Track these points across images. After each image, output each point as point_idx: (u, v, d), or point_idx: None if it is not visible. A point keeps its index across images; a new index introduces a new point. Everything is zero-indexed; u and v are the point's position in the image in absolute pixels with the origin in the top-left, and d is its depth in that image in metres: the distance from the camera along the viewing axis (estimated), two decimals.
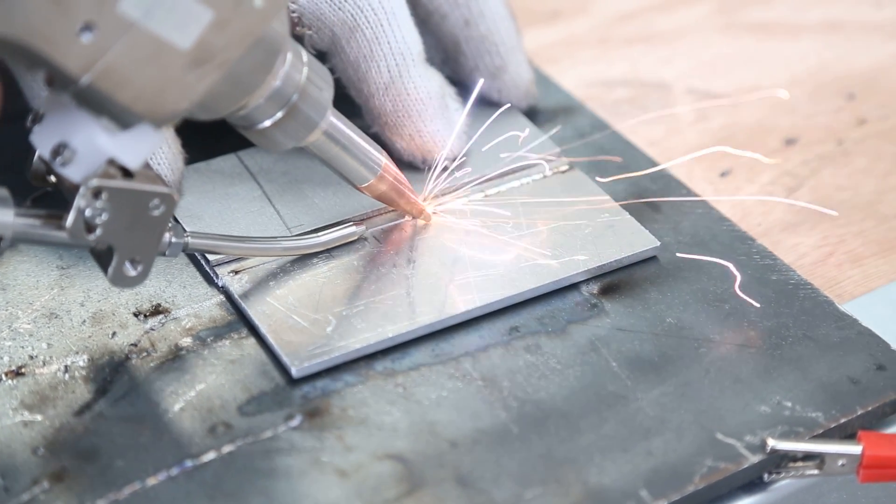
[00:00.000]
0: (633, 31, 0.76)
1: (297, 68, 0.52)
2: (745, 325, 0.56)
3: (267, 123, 0.52)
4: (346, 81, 0.61)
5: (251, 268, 0.57)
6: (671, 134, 0.69)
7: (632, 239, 0.59)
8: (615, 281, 0.58)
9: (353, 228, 0.58)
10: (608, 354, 0.55)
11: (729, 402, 0.53)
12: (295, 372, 0.53)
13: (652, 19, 0.76)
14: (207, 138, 0.63)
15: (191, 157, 0.60)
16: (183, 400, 0.53)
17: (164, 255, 0.52)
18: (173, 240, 0.52)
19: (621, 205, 0.60)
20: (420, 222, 0.59)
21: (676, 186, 0.63)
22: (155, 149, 0.50)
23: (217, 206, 0.60)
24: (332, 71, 0.61)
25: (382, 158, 0.56)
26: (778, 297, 0.57)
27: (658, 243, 0.59)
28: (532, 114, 0.66)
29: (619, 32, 0.75)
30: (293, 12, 0.59)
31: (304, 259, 0.58)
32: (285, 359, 0.53)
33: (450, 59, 0.65)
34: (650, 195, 0.62)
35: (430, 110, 0.60)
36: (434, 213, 0.60)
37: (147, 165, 0.51)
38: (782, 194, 0.65)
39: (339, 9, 0.59)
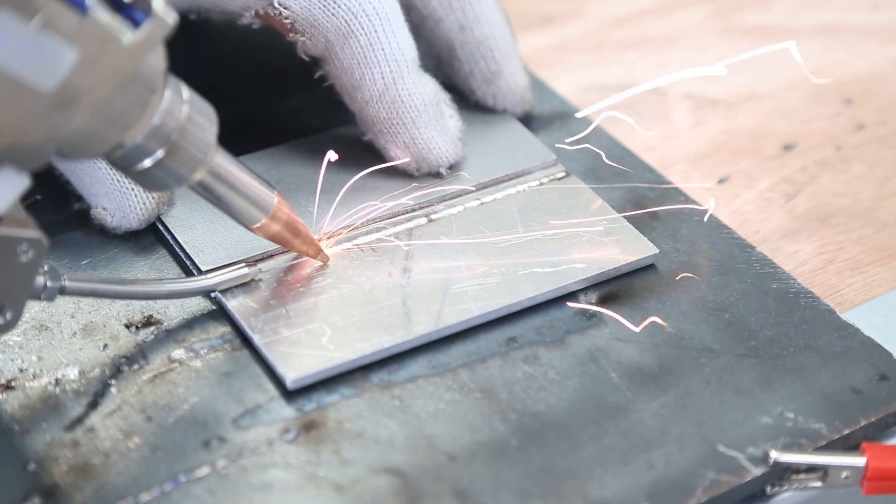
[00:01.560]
0: (627, 36, 0.75)
1: (176, 106, 0.49)
2: (745, 334, 0.55)
3: (147, 163, 0.49)
4: (339, 88, 0.60)
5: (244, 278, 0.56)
6: (668, 140, 0.68)
7: (630, 246, 0.58)
8: (614, 290, 0.57)
9: (246, 270, 0.56)
10: (607, 365, 0.54)
11: (730, 414, 0.52)
12: (290, 384, 0.52)
13: (647, 24, 0.76)
14: None
15: None
16: (176, 413, 0.52)
17: (38, 299, 0.50)
18: (49, 284, 0.50)
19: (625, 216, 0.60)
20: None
21: (674, 193, 0.62)
22: (22, 192, 0.47)
23: (209, 215, 0.59)
24: (325, 77, 0.60)
25: (274, 197, 0.54)
26: (778, 305, 0.56)
27: (657, 251, 0.58)
28: (527, 119, 0.66)
29: (614, 37, 0.75)
30: (286, 18, 0.58)
31: (297, 269, 0.57)
32: (280, 370, 0.53)
33: (444, 64, 0.64)
34: (648, 203, 0.61)
35: (424, 117, 0.60)
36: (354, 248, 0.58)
37: (17, 207, 0.49)
38: (781, 201, 0.64)
39: (333, 15, 0.58)
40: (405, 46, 0.59)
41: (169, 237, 0.58)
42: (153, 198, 0.58)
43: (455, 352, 0.54)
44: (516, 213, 0.60)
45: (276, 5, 0.58)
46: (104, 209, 0.58)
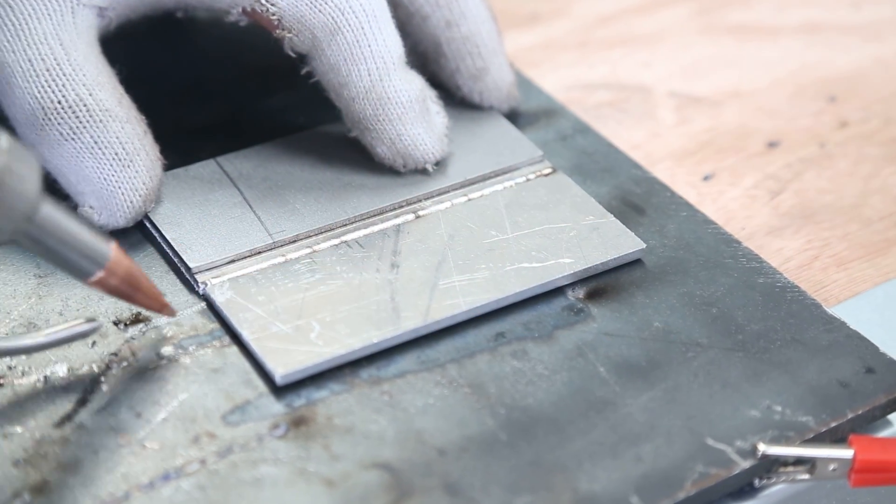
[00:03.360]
0: (612, 34, 0.75)
1: None
2: (732, 328, 0.55)
3: None
4: (325, 85, 0.60)
5: (232, 275, 0.56)
6: (653, 137, 0.68)
7: (617, 241, 0.58)
8: (601, 285, 0.57)
9: (86, 327, 0.53)
10: (595, 359, 0.54)
11: (718, 407, 0.52)
12: (279, 379, 0.52)
13: (631, 22, 0.76)
14: (186, 144, 0.63)
15: (169, 162, 0.60)
16: (165, 410, 0.52)
17: None
18: None
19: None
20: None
21: (661, 189, 0.62)
22: None
23: (197, 212, 0.59)
24: (311, 74, 0.60)
25: (110, 250, 0.51)
26: (765, 300, 0.57)
27: (644, 245, 0.58)
28: (513, 116, 0.66)
29: (599, 35, 0.75)
30: (273, 14, 0.58)
31: (286, 266, 0.57)
32: (269, 366, 0.53)
33: (430, 61, 0.65)
34: (634, 199, 0.62)
35: (410, 115, 0.60)
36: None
37: None
38: (766, 198, 0.65)
39: (320, 11, 0.58)
40: (392, 43, 0.59)
41: (157, 235, 0.58)
42: (140, 196, 0.58)
43: (443, 347, 0.55)
44: (503, 210, 0.60)
45: (263, 2, 0.58)
46: (91, 207, 0.58)
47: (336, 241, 0.58)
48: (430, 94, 0.62)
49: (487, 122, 0.64)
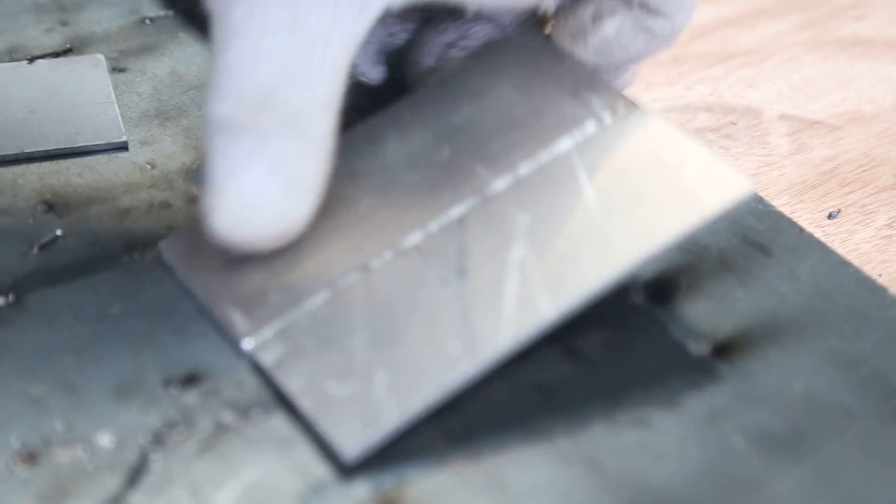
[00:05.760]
0: (710, 49, 0.67)
1: None
2: (888, 393, 0.47)
3: None
4: None
5: (278, 328, 0.48)
6: (766, 167, 0.60)
7: (720, 188, 0.47)
8: (728, 339, 0.49)
9: None
10: (731, 430, 0.46)
11: (881, 489, 0.44)
12: (350, 460, 0.44)
13: (731, 36, 0.68)
14: None
15: None
16: (230, 491, 0.44)
17: None
18: None
19: None
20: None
21: (787, 226, 0.54)
22: None
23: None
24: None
25: None
26: None
27: (753, 189, 0.47)
28: None
29: (695, 50, 0.67)
30: None
31: (335, 300, 0.47)
32: (337, 443, 0.44)
33: None
34: (758, 237, 0.54)
35: None
36: None
37: None
38: None
39: None
40: None
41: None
42: None
43: (550, 413, 0.47)
44: (585, 177, 0.48)
45: None
46: None
47: (390, 254, 0.48)
48: None
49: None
